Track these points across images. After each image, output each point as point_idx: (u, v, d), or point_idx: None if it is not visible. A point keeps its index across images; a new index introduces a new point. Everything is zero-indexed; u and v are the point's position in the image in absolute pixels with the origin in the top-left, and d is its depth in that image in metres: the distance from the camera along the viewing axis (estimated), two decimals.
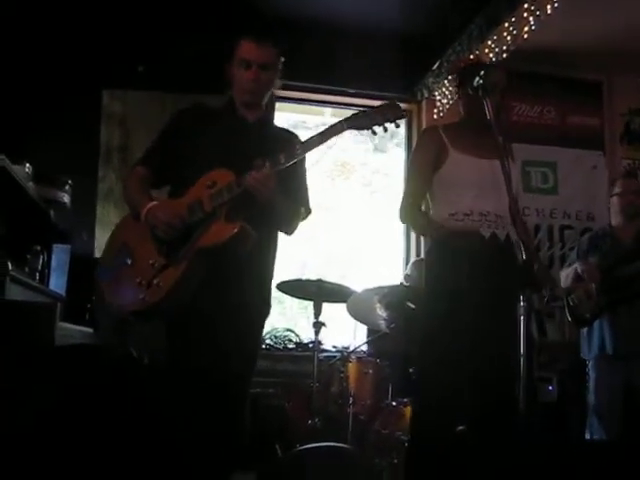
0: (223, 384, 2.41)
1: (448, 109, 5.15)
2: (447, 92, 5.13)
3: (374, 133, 2.34)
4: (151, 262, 2.39)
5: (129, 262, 2.45)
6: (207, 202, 2.37)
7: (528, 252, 2.35)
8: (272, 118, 2.80)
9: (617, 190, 3.99)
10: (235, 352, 2.44)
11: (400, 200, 2.94)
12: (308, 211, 2.68)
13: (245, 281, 2.47)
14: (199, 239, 2.35)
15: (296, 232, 2.68)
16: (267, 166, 2.32)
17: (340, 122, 2.35)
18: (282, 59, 2.63)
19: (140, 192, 2.54)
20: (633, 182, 4.03)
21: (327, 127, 2.37)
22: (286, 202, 2.51)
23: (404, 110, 2.39)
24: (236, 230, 2.30)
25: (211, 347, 2.41)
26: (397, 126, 2.35)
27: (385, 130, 2.33)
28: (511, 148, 2.97)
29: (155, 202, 2.45)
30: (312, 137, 2.39)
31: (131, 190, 2.58)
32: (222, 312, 2.43)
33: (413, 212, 2.91)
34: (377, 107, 2.34)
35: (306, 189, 2.69)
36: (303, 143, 2.39)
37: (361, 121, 2.33)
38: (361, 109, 2.42)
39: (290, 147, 2.37)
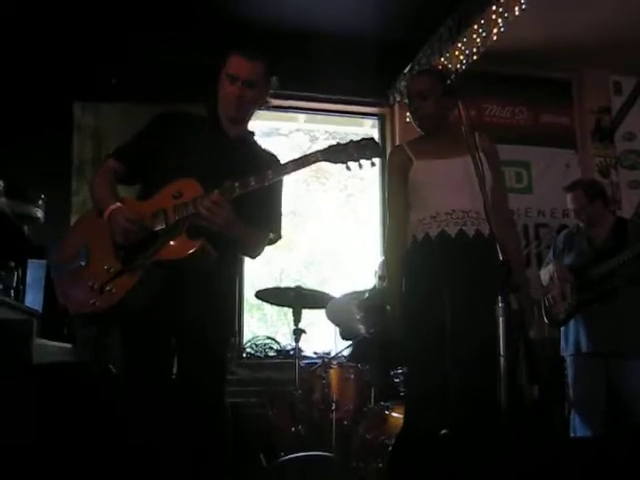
0: (189, 396, 2.40)
1: None
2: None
3: (348, 169, 2.29)
4: (106, 267, 2.37)
5: (84, 263, 2.43)
6: (171, 213, 2.35)
7: (504, 251, 2.34)
8: (254, 136, 2.76)
9: (569, 205, 4.01)
10: (196, 366, 2.43)
11: (385, 230, 3.01)
12: (278, 236, 2.65)
13: (203, 297, 2.44)
14: (158, 251, 2.33)
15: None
16: (216, 194, 2.29)
17: (316, 153, 2.30)
18: (272, 78, 2.61)
19: (107, 189, 2.50)
20: (577, 195, 3.96)
21: (302, 156, 2.33)
22: (249, 230, 2.48)
23: (381, 148, 2.35)
24: (196, 248, 2.29)
25: (169, 361, 2.41)
26: (373, 164, 2.29)
27: (360, 167, 2.28)
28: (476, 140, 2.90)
29: (120, 204, 2.41)
30: (286, 163, 2.36)
31: (99, 186, 2.54)
32: (181, 325, 2.41)
33: (392, 261, 2.95)
34: (355, 142, 2.28)
35: (279, 213, 2.65)
36: (276, 169, 2.35)
37: (337, 155, 2.27)
38: (338, 141, 2.34)
39: (262, 172, 2.32)
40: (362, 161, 2.27)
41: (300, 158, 2.33)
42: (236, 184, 2.30)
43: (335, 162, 2.28)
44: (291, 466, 2.97)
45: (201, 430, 2.41)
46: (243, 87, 2.51)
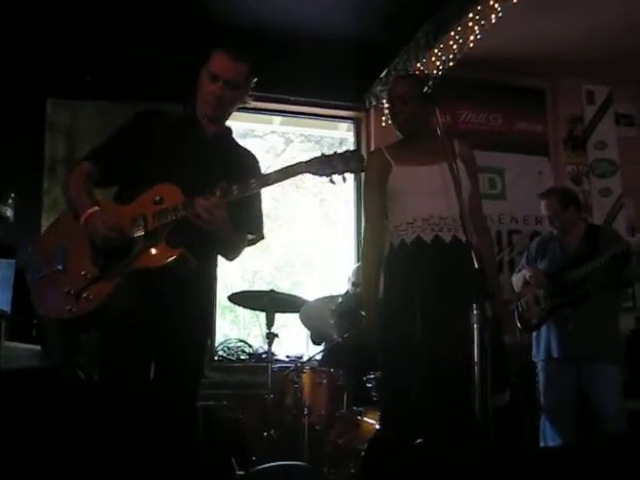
0: (165, 401, 2.37)
1: None
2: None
3: (332, 182, 2.24)
4: (83, 273, 2.31)
5: (61, 268, 2.37)
6: (151, 220, 2.30)
7: (479, 259, 2.34)
8: (231, 133, 2.72)
9: (543, 212, 4.07)
10: (173, 369, 2.40)
11: (363, 236, 3.00)
12: (260, 237, 2.61)
13: (181, 303, 2.40)
14: (137, 258, 2.28)
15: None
16: (217, 195, 2.25)
17: (300, 164, 2.26)
18: (254, 79, 2.56)
19: (83, 192, 2.41)
20: (550, 203, 4.02)
21: (286, 166, 2.29)
22: (234, 231, 2.43)
23: (365, 161, 2.31)
24: (176, 256, 2.25)
25: (146, 366, 2.37)
26: (355, 177, 2.27)
27: (344, 180, 2.23)
28: (454, 147, 2.90)
29: (97, 208, 2.34)
30: (269, 174, 2.31)
31: (73, 189, 2.44)
32: (159, 331, 2.37)
33: (370, 266, 2.93)
34: (340, 154, 2.23)
35: (260, 214, 2.62)
36: (259, 179, 2.32)
37: (322, 167, 2.22)
38: (323, 153, 2.27)
39: (245, 180, 2.29)
40: (347, 175, 2.22)
41: (284, 169, 2.28)
42: (217, 193, 2.26)
43: (320, 175, 2.23)
44: (263, 477, 2.94)
45: (172, 433, 2.37)
46: (224, 86, 2.46)
